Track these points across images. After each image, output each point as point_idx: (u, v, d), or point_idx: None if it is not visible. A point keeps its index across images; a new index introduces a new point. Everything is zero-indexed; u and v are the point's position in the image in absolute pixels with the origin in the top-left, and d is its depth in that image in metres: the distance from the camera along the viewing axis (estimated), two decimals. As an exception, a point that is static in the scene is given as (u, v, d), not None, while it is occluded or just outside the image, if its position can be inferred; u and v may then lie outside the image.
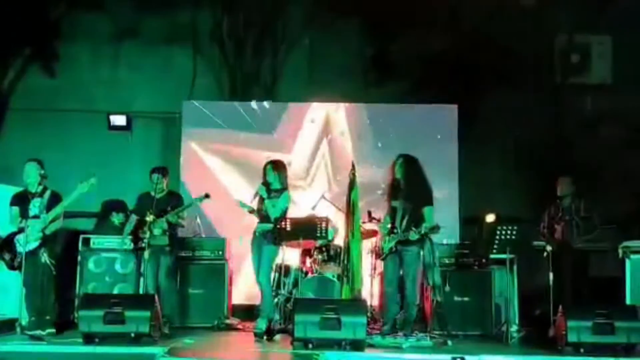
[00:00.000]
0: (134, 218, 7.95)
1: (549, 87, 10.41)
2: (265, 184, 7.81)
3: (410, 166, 7.58)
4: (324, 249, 8.51)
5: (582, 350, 6.69)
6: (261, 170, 7.88)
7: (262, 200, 7.77)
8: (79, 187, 7.41)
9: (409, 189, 7.51)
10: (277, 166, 7.87)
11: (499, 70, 9.89)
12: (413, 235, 7.33)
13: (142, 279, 7.86)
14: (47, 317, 7.35)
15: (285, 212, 7.76)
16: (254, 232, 7.83)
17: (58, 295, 7.64)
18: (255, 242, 7.80)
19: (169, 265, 7.93)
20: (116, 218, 9.08)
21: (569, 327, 6.72)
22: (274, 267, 7.92)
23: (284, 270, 8.22)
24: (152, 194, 7.90)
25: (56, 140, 10.02)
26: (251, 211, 7.90)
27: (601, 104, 10.28)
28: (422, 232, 7.29)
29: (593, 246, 8.02)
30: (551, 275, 7.70)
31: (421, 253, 7.44)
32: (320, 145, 10.08)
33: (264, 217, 7.76)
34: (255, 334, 7.50)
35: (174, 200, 8.00)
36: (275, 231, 7.64)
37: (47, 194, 7.52)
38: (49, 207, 7.46)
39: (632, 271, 7.74)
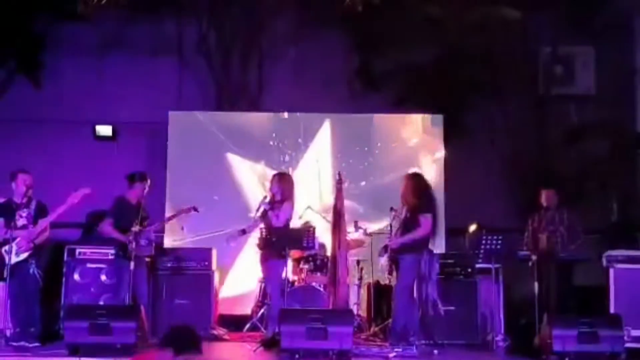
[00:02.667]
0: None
1: (533, 98, 10.47)
2: (268, 195, 7.87)
3: (410, 181, 7.57)
4: (310, 258, 8.52)
5: (567, 359, 6.74)
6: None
7: (265, 212, 7.74)
8: (71, 198, 7.35)
9: (409, 200, 7.49)
10: (281, 179, 7.90)
11: (483, 81, 9.96)
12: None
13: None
14: (32, 329, 7.27)
15: (287, 222, 7.76)
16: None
17: (43, 306, 7.59)
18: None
19: (148, 276, 7.86)
20: (102, 229, 9.02)
21: (554, 336, 6.77)
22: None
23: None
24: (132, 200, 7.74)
25: (41, 151, 9.96)
26: None
27: (585, 115, 10.37)
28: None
29: (577, 255, 8.08)
30: (536, 285, 7.75)
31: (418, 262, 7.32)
32: (307, 156, 10.09)
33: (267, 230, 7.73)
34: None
35: (145, 208, 7.89)
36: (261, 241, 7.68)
37: (34, 204, 7.47)
38: (36, 217, 7.41)
39: (616, 280, 7.80)
